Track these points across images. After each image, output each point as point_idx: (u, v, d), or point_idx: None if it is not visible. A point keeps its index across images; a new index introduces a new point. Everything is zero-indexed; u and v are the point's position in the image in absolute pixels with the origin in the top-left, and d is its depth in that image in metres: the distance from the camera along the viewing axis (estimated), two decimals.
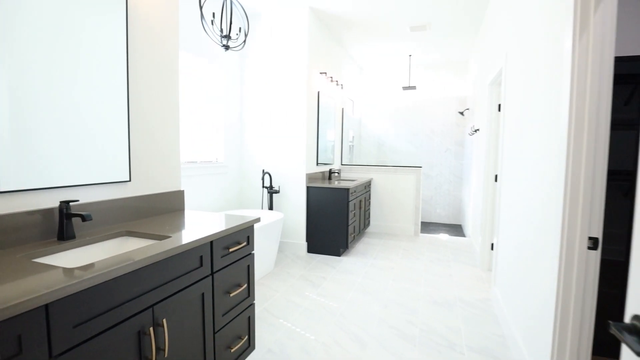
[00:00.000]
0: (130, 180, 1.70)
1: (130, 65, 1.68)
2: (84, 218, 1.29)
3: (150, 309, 1.18)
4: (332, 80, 4.58)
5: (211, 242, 1.49)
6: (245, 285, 1.78)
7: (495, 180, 3.34)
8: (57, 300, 0.88)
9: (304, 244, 4.01)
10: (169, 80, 1.95)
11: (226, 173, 3.89)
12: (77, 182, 1.45)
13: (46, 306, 0.86)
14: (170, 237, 1.40)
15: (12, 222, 1.23)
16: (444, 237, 5.07)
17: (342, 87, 5.01)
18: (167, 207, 1.93)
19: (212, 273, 1.51)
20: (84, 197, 1.49)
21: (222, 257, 1.57)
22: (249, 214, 3.72)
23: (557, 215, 1.41)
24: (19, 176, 1.25)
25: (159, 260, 1.20)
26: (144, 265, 1.12)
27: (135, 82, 1.73)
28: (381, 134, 6.60)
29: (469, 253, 4.18)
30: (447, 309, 2.64)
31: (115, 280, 1.05)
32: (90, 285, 0.95)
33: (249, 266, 1.81)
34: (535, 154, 1.85)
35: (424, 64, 6.23)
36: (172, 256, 1.27)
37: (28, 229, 1.28)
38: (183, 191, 2.04)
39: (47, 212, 1.34)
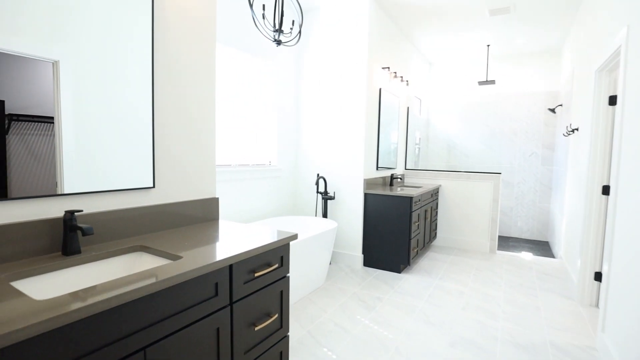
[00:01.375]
0: (154, 187, 1.52)
1: (155, 53, 1.51)
2: (83, 232, 1.11)
3: (142, 352, 0.94)
4: (395, 76, 4.15)
5: (230, 266, 1.23)
6: (277, 315, 1.49)
7: (604, 192, 2.63)
8: None
9: (360, 257, 3.65)
10: (203, 74, 1.75)
11: (279, 177, 3.69)
12: (91, 189, 1.29)
13: None
14: (182, 257, 1.17)
15: (16, 232, 1.09)
16: (526, 256, 4.30)
17: (407, 84, 4.55)
18: (198, 216, 1.73)
19: (231, 303, 1.25)
20: (100, 205, 1.34)
21: (245, 283, 1.30)
22: (295, 223, 3.48)
23: None
24: (79, 179, 1.26)
25: (156, 292, 0.96)
26: (132, 299, 0.88)
27: (162, 79, 1.55)
28: (452, 136, 5.93)
29: (561, 280, 3.44)
30: (535, 356, 2.08)
31: (91, 318, 0.82)
32: (48, 329, 0.73)
33: (282, 292, 1.52)
34: None
35: (504, 55, 5.45)
36: (174, 285, 1.02)
37: (35, 240, 1.14)
38: (217, 199, 1.83)
39: (56, 222, 1.19)
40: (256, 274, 1.33)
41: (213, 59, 1.80)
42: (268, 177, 3.51)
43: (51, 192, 1.18)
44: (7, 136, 1.07)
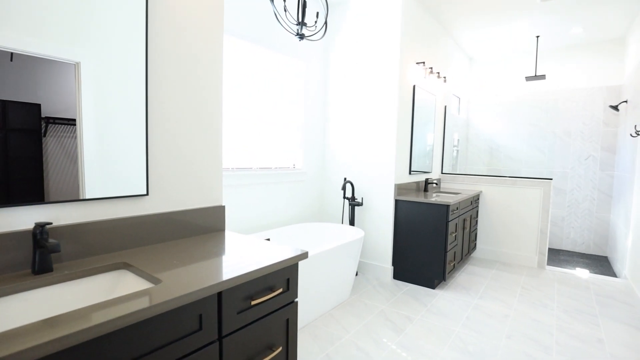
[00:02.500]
0: (147, 194, 1.35)
1: (149, 46, 1.34)
2: (48, 249, 0.95)
3: None
4: (431, 72, 3.81)
5: (219, 294, 1.02)
6: (282, 347, 1.27)
7: None
8: None
9: (390, 269, 3.35)
10: (208, 64, 1.57)
11: (304, 181, 3.48)
12: (73, 197, 1.14)
13: None
14: (161, 281, 0.98)
15: None
16: (582, 273, 3.78)
17: (445, 81, 4.18)
18: (200, 227, 1.55)
19: (220, 338, 1.04)
20: (82, 215, 1.18)
21: (239, 312, 1.09)
22: (318, 231, 3.24)
23: None
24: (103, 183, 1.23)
25: (112, 331, 0.77)
26: (77, 342, 0.70)
27: (157, 69, 1.38)
28: (495, 137, 5.44)
29: (627, 305, 2.94)
30: None
31: None
32: None
33: (288, 320, 1.29)
34: None
35: (556, 46, 4.90)
36: (141, 321, 0.83)
37: (2, 255, 1.00)
38: (223, 207, 1.64)
39: (26, 235, 1.05)
40: (254, 302, 1.12)
41: (220, 47, 1.62)
42: (292, 181, 3.31)
43: (74, 197, 1.14)
44: (44, 139, 1.07)
